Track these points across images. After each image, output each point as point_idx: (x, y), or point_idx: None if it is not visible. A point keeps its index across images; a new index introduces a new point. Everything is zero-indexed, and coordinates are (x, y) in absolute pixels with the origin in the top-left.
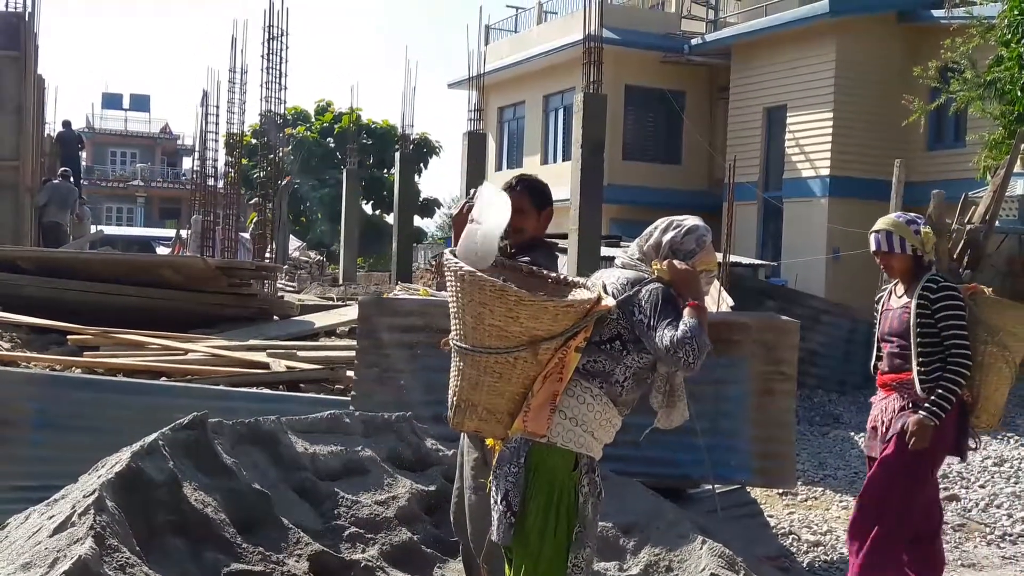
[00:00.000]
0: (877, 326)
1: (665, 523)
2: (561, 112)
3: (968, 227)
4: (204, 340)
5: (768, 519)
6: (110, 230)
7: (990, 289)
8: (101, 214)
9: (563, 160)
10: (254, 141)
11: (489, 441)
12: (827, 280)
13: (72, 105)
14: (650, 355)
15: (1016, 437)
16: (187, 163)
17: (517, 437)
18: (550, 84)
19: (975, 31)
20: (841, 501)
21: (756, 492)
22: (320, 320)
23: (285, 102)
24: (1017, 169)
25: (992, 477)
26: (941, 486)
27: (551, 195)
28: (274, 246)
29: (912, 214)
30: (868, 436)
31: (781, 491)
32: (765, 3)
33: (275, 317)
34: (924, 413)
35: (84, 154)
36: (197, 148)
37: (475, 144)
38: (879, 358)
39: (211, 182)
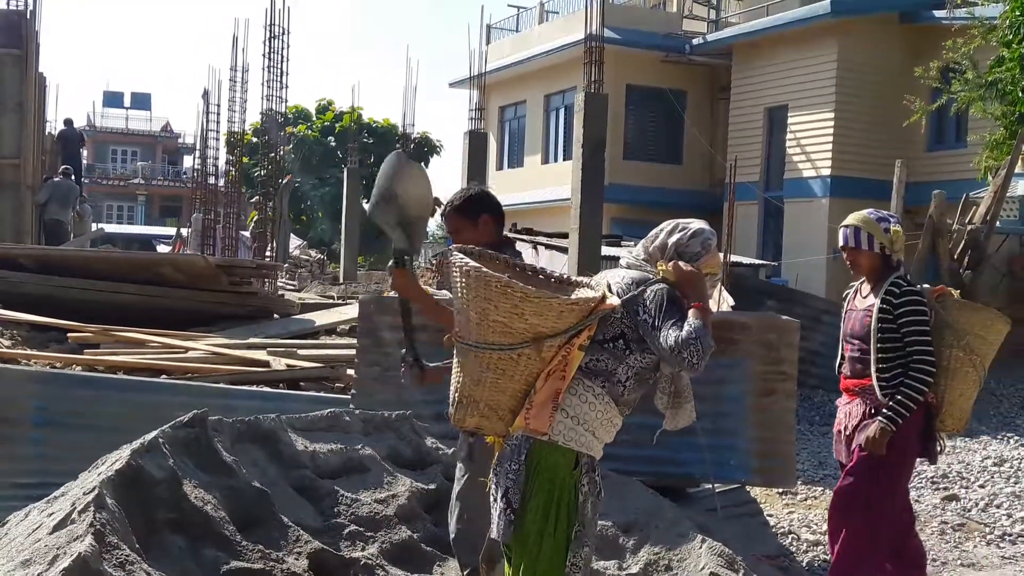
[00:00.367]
0: (842, 325)
1: (665, 522)
2: (562, 111)
3: (969, 228)
4: (204, 338)
5: (768, 518)
6: (111, 228)
7: (957, 292)
8: (102, 212)
9: (564, 159)
10: (255, 140)
11: (489, 438)
12: (828, 280)
13: (73, 103)
14: (653, 355)
15: (1016, 437)
16: (188, 161)
17: (518, 434)
18: (551, 83)
19: (976, 32)
20: None
21: (756, 491)
22: (320, 318)
23: (286, 100)
24: (1018, 170)
25: (992, 477)
26: (941, 486)
27: (483, 199)
28: (275, 245)
29: (885, 212)
30: (835, 440)
31: (781, 490)
32: (766, 3)
33: (275, 315)
34: (882, 420)
35: (85, 152)
36: (198, 146)
37: (476, 143)
38: (842, 358)
39: (212, 180)
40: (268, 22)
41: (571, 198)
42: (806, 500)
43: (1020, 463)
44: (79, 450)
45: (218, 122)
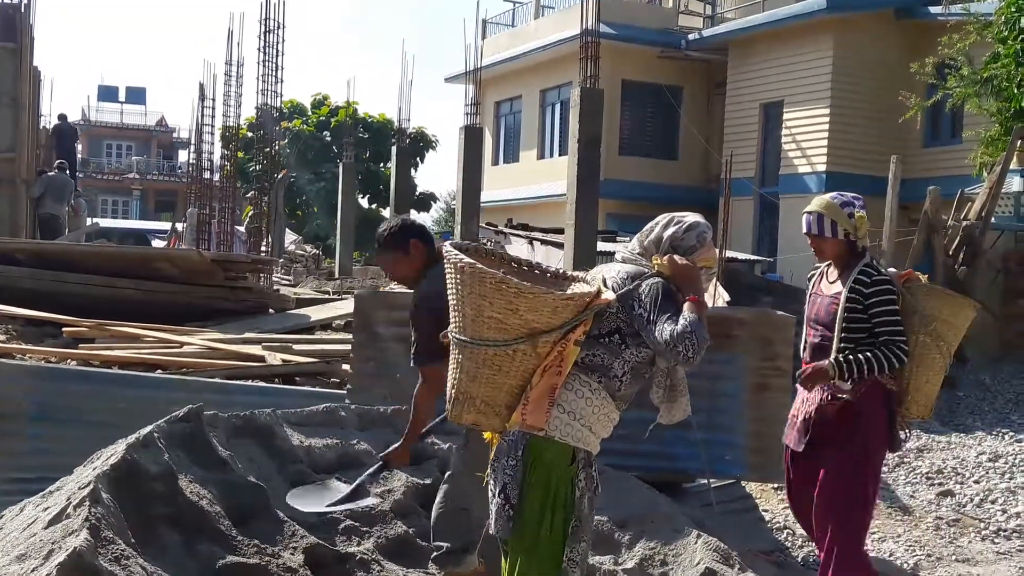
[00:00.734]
0: (806, 308)
1: (660, 517)
2: (558, 107)
3: (964, 224)
4: (200, 333)
5: (763, 514)
6: (106, 223)
7: (925, 276)
8: (97, 207)
9: (560, 155)
10: (250, 134)
11: (487, 435)
12: None
13: (68, 97)
14: (648, 349)
15: (1011, 433)
16: (183, 156)
17: (515, 430)
18: (547, 79)
19: (972, 28)
20: None
21: (751, 487)
22: (316, 313)
23: (281, 95)
24: (1013, 166)
25: (987, 473)
26: (936, 482)
27: (405, 228)
28: (270, 239)
29: (851, 195)
30: (788, 424)
31: (776, 486)
32: None
33: (271, 310)
34: (832, 363)
35: (80, 147)
36: (193, 141)
37: (472, 138)
38: (805, 343)
39: (207, 175)
40: (263, 16)
41: (567, 193)
42: None
43: (1015, 459)
44: (74, 445)
45: (213, 117)
